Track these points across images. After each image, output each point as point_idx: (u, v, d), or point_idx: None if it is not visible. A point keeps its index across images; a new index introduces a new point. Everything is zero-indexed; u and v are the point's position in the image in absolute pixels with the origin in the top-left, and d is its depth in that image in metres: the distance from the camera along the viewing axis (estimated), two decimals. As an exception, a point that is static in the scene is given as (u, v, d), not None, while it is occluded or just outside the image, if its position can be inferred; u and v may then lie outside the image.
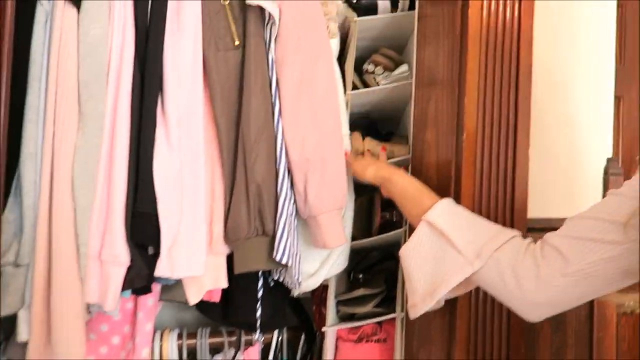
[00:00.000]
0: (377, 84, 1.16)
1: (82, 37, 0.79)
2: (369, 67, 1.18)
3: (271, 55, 0.92)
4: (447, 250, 0.76)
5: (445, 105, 0.91)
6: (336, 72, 1.02)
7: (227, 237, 0.88)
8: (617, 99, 1.92)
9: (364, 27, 1.13)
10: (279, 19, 0.91)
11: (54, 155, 0.78)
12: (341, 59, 1.17)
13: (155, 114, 0.82)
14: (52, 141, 0.78)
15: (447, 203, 0.81)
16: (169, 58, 0.85)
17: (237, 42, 0.91)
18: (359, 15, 1.13)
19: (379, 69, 1.17)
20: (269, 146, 0.89)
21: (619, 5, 1.31)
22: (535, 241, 0.71)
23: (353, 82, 1.14)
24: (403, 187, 0.88)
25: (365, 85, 1.19)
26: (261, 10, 0.91)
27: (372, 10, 1.16)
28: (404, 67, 1.13)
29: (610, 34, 1.25)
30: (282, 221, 0.88)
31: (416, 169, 1.03)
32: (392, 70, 1.16)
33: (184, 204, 0.83)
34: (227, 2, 0.92)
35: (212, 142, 0.90)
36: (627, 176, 0.71)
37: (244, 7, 0.92)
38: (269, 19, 0.92)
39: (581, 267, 0.64)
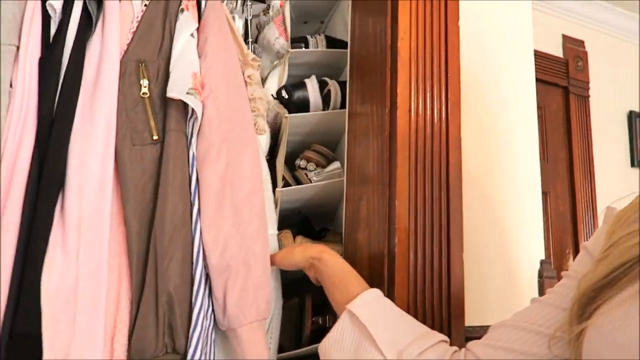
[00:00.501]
0: (310, 180, 1.12)
1: (-29, 130, 0.71)
2: (300, 162, 1.15)
3: (192, 150, 0.86)
4: (367, 348, 0.71)
5: (376, 205, 0.87)
6: (264, 169, 0.97)
7: (131, 357, 0.76)
8: (545, 194, 1.99)
9: (295, 123, 1.12)
10: (202, 115, 0.86)
11: None
12: (272, 155, 1.14)
13: (51, 216, 0.73)
14: None
15: (376, 294, 0.76)
16: (75, 152, 0.78)
17: (155, 137, 0.85)
18: (290, 112, 1.12)
19: (311, 165, 1.14)
20: (185, 249, 0.80)
21: (539, 107, 1.39)
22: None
23: (284, 178, 1.10)
24: (333, 268, 0.82)
25: (297, 181, 1.15)
26: (184, 104, 0.87)
27: (304, 106, 1.15)
28: (335, 164, 1.11)
29: (533, 133, 1.30)
30: (197, 336, 0.77)
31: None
32: (324, 166, 1.14)
33: (78, 321, 0.71)
34: (147, 96, 0.87)
35: (121, 245, 0.80)
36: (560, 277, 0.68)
37: (165, 101, 0.87)
38: (192, 114, 0.88)
39: None
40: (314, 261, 0.85)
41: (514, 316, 0.64)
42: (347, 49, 1.27)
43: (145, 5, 0.96)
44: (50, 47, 0.82)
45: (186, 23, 0.94)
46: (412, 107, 0.88)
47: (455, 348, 0.69)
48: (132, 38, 0.91)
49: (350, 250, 0.98)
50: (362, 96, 1.04)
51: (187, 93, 0.86)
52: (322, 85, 1.18)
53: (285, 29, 1.19)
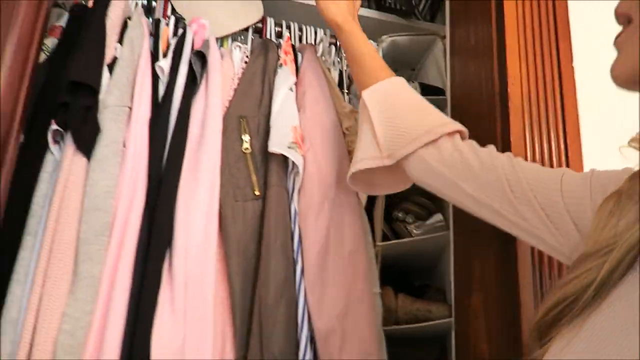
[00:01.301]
0: (409, 233, 1.07)
1: (88, 189, 0.73)
2: (399, 214, 1.10)
3: (294, 206, 0.85)
4: (370, 144, 0.75)
5: (494, 266, 0.80)
6: (365, 223, 0.93)
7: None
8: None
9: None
10: (304, 169, 0.85)
11: (37, 322, 0.68)
12: (369, 207, 1.10)
13: (160, 274, 0.73)
14: (37, 305, 0.68)
15: (391, 84, 0.78)
16: (181, 210, 0.78)
17: (257, 193, 0.84)
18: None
19: (410, 217, 1.09)
20: (290, 311, 0.78)
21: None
22: None
23: (383, 232, 1.05)
24: (362, 48, 0.84)
25: (396, 234, 1.10)
26: (284, 158, 0.86)
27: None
28: (437, 217, 1.05)
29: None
30: (303, 402, 0.73)
31: (461, 337, 0.89)
32: (424, 218, 1.08)
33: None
34: (248, 151, 0.88)
35: (224, 304, 0.79)
36: None
37: (266, 156, 0.87)
38: (293, 168, 0.87)
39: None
40: (345, 24, 0.86)
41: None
42: (442, 95, 1.23)
43: (245, 62, 0.99)
44: (159, 107, 0.86)
45: (285, 78, 0.95)
46: (528, 155, 0.82)
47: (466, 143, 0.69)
48: (234, 94, 0.94)
49: (461, 316, 0.90)
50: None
51: (289, 147, 0.85)
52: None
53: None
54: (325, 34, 1.25)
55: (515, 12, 0.93)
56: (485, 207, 0.63)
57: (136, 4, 1.14)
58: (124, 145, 0.80)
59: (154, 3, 1.18)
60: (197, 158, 0.84)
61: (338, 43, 1.26)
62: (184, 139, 0.84)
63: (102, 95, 0.79)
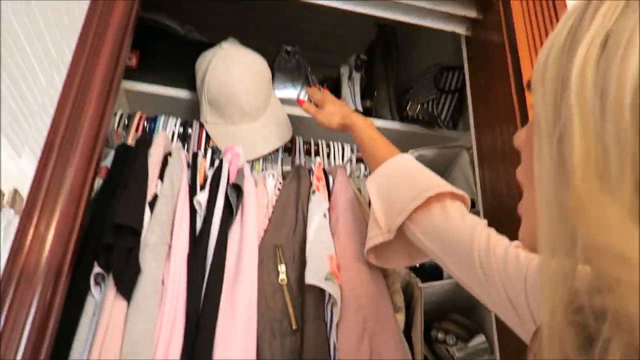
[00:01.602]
0: (452, 357, 1.02)
1: (127, 333, 0.74)
2: (438, 335, 1.07)
3: (332, 339, 0.83)
4: (373, 224, 0.83)
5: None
6: (405, 350, 0.90)
7: None
8: None
9: (429, 292, 1.06)
10: (341, 300, 0.84)
11: None
12: (406, 327, 1.07)
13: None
14: None
15: (397, 160, 0.86)
16: (219, 349, 0.77)
17: (294, 327, 0.83)
18: (422, 280, 1.07)
19: (450, 338, 1.05)
20: None
21: None
22: None
23: (424, 356, 1.01)
24: (362, 134, 0.95)
25: (436, 356, 1.06)
26: (321, 290, 0.85)
27: (437, 273, 1.10)
28: (480, 339, 1.01)
29: None
30: None
31: None
32: (466, 339, 1.04)
33: None
34: (284, 282, 0.88)
35: None
36: None
37: (302, 286, 0.87)
38: (330, 299, 0.86)
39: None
40: (346, 126, 0.99)
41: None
42: (473, 207, 1.24)
43: (279, 189, 1.02)
44: (197, 241, 0.87)
45: (318, 204, 0.98)
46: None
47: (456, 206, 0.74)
48: (269, 223, 0.95)
49: None
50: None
51: (326, 279, 0.85)
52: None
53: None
54: (352, 150, 1.30)
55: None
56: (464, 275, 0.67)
57: (172, 133, 1.22)
58: (163, 283, 0.81)
59: (189, 130, 1.26)
60: (233, 293, 0.84)
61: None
62: (221, 274, 0.84)
63: (143, 234, 0.82)
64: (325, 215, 0.97)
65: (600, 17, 0.30)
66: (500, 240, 0.64)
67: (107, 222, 0.79)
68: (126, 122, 1.21)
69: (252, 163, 1.28)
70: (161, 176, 0.92)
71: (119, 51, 0.89)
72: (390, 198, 0.80)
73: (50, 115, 0.74)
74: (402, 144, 1.64)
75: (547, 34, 0.97)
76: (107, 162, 0.93)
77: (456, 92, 1.61)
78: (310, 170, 1.07)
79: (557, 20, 1.00)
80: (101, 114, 0.80)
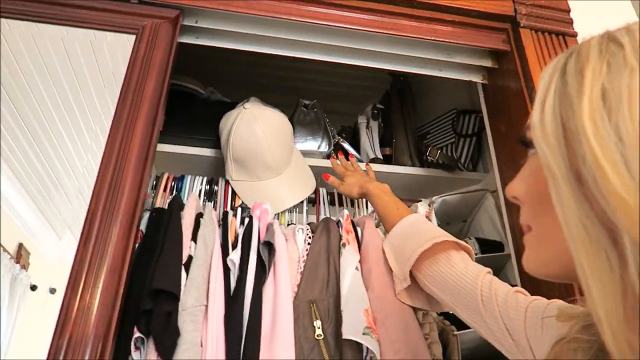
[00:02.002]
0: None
1: (171, 400, 0.74)
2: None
3: (373, 395, 0.82)
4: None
5: None
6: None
7: None
8: None
9: (465, 339, 1.05)
10: (380, 354, 0.84)
11: None
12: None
13: None
14: None
15: (405, 222, 0.94)
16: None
17: (334, 383, 0.83)
18: (458, 328, 1.06)
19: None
20: None
21: None
22: None
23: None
24: (377, 202, 1.04)
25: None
26: (359, 344, 0.85)
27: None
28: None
29: None
30: None
31: None
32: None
33: None
34: (321, 337, 0.88)
35: None
36: None
37: (339, 340, 0.87)
38: (368, 353, 0.86)
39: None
40: (364, 195, 1.10)
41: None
42: (502, 251, 1.24)
43: (309, 243, 1.03)
44: (232, 301, 0.89)
45: (349, 257, 0.99)
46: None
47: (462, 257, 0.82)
48: (301, 278, 0.97)
49: None
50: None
51: (363, 333, 0.85)
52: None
53: (436, 239, 1.20)
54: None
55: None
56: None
57: (199, 191, 1.25)
58: (202, 345, 0.82)
59: (215, 187, 1.29)
60: (271, 350, 0.84)
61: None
62: (258, 332, 0.85)
63: (181, 297, 0.83)
64: (357, 269, 0.98)
65: (590, 74, 0.37)
66: (502, 286, 0.72)
67: (146, 287, 0.81)
68: (154, 182, 1.25)
69: (278, 215, 1.30)
70: (194, 238, 0.95)
71: (154, 120, 0.93)
72: (400, 250, 0.91)
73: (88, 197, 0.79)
74: (423, 188, 1.66)
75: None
76: (142, 226, 0.96)
77: (474, 136, 1.63)
78: (338, 223, 1.09)
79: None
80: (139, 182, 0.83)
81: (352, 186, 1.15)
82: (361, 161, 1.62)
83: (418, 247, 0.85)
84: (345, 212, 1.10)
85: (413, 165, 1.58)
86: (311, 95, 1.63)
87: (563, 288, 0.89)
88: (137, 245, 0.93)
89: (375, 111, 1.69)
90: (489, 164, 1.63)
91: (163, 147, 1.38)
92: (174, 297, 0.82)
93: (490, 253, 1.21)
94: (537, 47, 1.04)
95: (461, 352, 1.06)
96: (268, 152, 1.24)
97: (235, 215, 1.07)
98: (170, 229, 0.92)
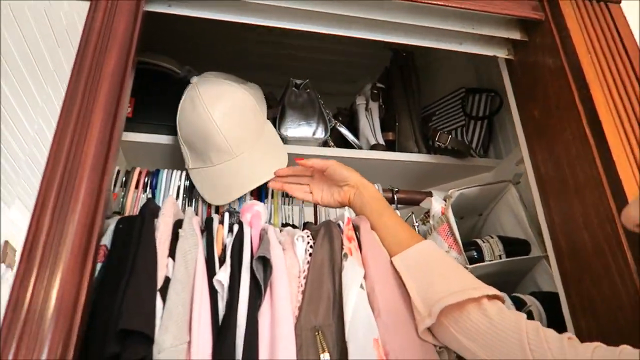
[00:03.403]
0: None
1: None
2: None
3: None
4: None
5: None
6: None
7: None
8: None
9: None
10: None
11: None
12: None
13: None
14: None
15: (420, 250, 0.83)
16: None
17: None
18: None
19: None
20: None
21: None
22: None
23: None
24: (372, 213, 0.92)
25: None
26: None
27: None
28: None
29: None
30: None
31: None
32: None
33: None
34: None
35: None
36: None
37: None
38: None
39: None
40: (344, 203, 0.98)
41: None
42: (527, 246, 1.10)
43: (310, 254, 0.87)
44: (221, 333, 0.73)
45: (353, 272, 0.83)
46: None
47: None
48: (303, 299, 0.81)
49: None
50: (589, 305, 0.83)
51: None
52: (518, 303, 0.98)
53: (455, 239, 1.05)
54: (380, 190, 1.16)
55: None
56: None
57: (178, 187, 1.09)
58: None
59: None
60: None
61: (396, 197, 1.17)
62: (254, 373, 0.70)
63: (156, 336, 0.67)
64: (362, 287, 0.82)
65: None
66: (550, 331, 0.65)
67: (111, 326, 0.65)
68: (124, 179, 1.08)
69: (271, 216, 1.14)
70: (172, 254, 0.78)
71: (117, 103, 0.75)
72: (423, 282, 0.79)
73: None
74: (431, 177, 1.51)
75: (612, 54, 0.84)
76: (106, 240, 0.79)
77: (485, 118, 1.48)
78: (339, 226, 0.93)
79: (620, 38, 0.88)
80: (98, 183, 0.68)
81: (325, 192, 1.00)
82: (360, 148, 1.46)
83: (448, 294, 0.74)
84: (346, 213, 0.94)
85: (419, 151, 1.42)
86: (301, 75, 1.45)
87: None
88: (99, 265, 0.76)
89: (375, 91, 1.52)
90: (501, 150, 1.49)
91: (132, 136, 1.21)
92: (147, 338, 0.65)
93: (516, 254, 1.07)
94: (578, 17, 0.88)
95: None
96: (216, 131, 1.07)
97: (221, 221, 0.90)
98: (141, 244, 0.75)
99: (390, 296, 0.82)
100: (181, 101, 1.12)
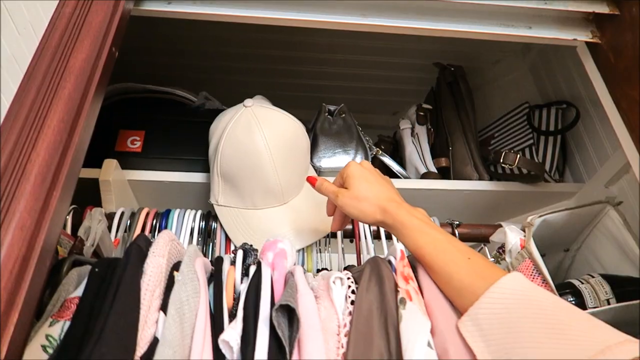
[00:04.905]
0: None
1: None
2: None
3: None
4: None
5: None
6: None
7: None
8: None
9: None
10: None
11: None
12: None
13: None
14: None
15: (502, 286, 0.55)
16: None
17: None
18: None
19: None
20: None
21: None
22: None
23: None
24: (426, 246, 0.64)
25: None
26: None
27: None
28: None
29: None
30: None
31: None
32: None
33: None
34: None
35: None
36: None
37: None
38: None
39: None
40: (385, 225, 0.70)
41: None
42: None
43: (352, 301, 0.66)
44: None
45: (416, 324, 0.60)
46: None
47: None
48: (345, 362, 0.59)
49: None
50: None
51: None
52: None
53: (545, 278, 0.80)
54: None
55: None
56: None
57: (192, 229, 0.91)
58: None
59: (213, 224, 0.94)
60: None
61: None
62: None
63: None
64: (430, 345, 0.59)
65: None
66: None
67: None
68: (128, 222, 0.91)
69: (303, 262, 0.94)
70: (164, 306, 0.58)
71: (82, 107, 0.58)
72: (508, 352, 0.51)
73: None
74: (497, 208, 1.27)
75: None
76: (79, 290, 0.61)
77: (558, 133, 1.25)
78: (390, 263, 0.71)
79: None
80: (39, 224, 0.49)
81: (361, 207, 0.72)
82: (408, 178, 1.26)
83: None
84: (399, 247, 0.72)
85: (480, 178, 1.20)
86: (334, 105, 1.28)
87: None
88: (66, 324, 0.57)
89: (422, 112, 1.33)
90: (581, 172, 1.25)
91: (142, 175, 1.05)
92: None
93: (631, 297, 0.81)
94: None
95: None
96: (271, 170, 0.89)
97: (234, 262, 0.70)
98: (119, 295, 0.56)
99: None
100: (229, 124, 0.92)
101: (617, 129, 0.82)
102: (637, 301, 0.80)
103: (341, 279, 0.68)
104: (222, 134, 0.91)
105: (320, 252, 0.96)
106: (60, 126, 0.53)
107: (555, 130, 1.23)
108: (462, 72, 1.36)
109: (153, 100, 1.13)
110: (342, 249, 0.95)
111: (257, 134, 0.89)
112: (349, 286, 0.68)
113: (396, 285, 0.66)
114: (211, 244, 0.95)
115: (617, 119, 0.81)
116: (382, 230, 0.94)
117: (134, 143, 1.06)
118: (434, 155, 1.26)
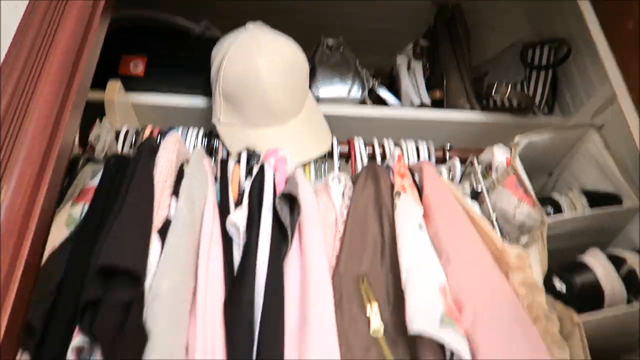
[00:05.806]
0: None
1: None
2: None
3: None
4: None
5: None
6: None
7: None
8: None
9: (590, 326, 0.73)
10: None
11: None
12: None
13: None
14: None
15: None
16: None
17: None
18: (577, 310, 0.74)
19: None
20: None
21: None
22: None
23: None
24: None
25: None
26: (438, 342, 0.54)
27: (594, 299, 0.78)
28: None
29: None
30: None
31: None
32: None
33: None
34: (380, 334, 0.57)
35: None
36: None
37: (408, 339, 0.56)
38: (453, 357, 0.54)
39: None
40: None
41: None
42: (618, 203, 0.91)
43: (349, 198, 0.72)
44: (236, 283, 0.58)
45: (408, 211, 0.68)
46: None
47: None
48: (341, 246, 0.66)
49: None
50: None
51: (441, 322, 0.54)
52: (615, 262, 0.80)
53: (527, 190, 0.87)
54: (429, 150, 0.99)
55: None
56: None
57: (193, 147, 0.96)
58: (187, 351, 0.52)
59: (215, 142, 0.99)
60: (302, 356, 0.54)
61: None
62: (280, 329, 0.54)
63: (149, 280, 0.53)
64: (421, 227, 0.66)
65: None
66: None
67: (91, 267, 0.51)
68: (133, 139, 0.96)
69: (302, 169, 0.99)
70: (175, 191, 0.65)
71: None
72: None
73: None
74: (487, 138, 1.32)
75: None
76: (94, 181, 0.67)
77: (549, 68, 1.30)
78: (388, 167, 0.78)
79: None
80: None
81: None
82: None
83: None
84: (397, 152, 0.79)
85: (472, 108, 1.25)
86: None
87: None
88: (85, 205, 0.64)
89: (418, 48, 1.37)
90: (569, 107, 1.30)
91: (144, 98, 1.10)
92: (134, 278, 0.51)
93: (600, 204, 0.88)
94: None
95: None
96: (272, 92, 0.94)
97: (238, 161, 0.76)
98: (135, 179, 0.62)
99: (463, 238, 0.66)
100: (231, 46, 0.96)
101: (601, 50, 0.87)
102: (609, 210, 0.88)
103: (338, 178, 0.75)
104: (225, 55, 0.95)
105: (317, 171, 1.02)
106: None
107: (546, 64, 1.28)
108: (460, 10, 1.39)
109: (153, 29, 1.16)
110: (339, 168, 1.01)
111: (257, 55, 0.94)
112: (347, 185, 0.74)
113: (392, 184, 0.73)
114: (213, 159, 1.00)
115: (602, 41, 0.86)
116: (377, 150, 0.99)
117: (137, 67, 1.11)
118: (429, 88, 1.31)
